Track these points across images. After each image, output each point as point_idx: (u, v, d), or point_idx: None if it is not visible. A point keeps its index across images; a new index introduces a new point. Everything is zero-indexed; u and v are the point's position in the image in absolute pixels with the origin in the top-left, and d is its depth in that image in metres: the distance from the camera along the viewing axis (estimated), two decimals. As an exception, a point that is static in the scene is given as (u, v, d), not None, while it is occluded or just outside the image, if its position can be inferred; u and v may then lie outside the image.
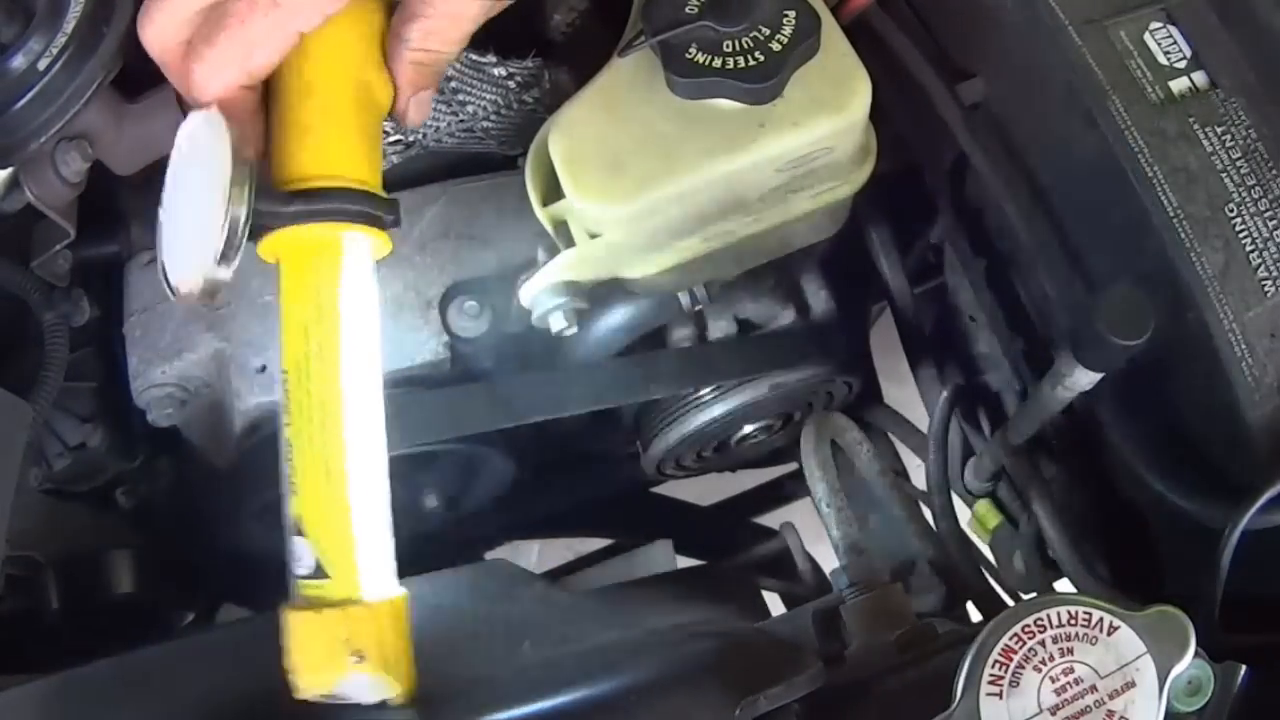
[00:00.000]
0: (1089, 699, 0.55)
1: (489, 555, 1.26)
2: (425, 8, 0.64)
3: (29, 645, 0.88)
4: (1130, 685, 0.55)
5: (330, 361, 0.58)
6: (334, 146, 0.61)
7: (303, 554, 0.57)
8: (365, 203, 0.61)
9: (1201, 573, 0.65)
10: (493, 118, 0.80)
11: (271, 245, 0.60)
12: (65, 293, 0.81)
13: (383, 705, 0.57)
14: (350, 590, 0.57)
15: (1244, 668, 0.56)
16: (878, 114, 0.71)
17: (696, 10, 0.67)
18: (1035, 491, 0.83)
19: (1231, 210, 0.66)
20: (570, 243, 0.72)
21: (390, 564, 0.59)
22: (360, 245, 0.61)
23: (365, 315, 0.60)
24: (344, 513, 0.57)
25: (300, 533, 0.57)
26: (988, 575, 0.90)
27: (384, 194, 0.63)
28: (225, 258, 0.56)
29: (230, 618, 1.06)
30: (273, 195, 0.58)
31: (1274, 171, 0.67)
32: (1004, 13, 0.72)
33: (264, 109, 0.64)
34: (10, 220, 0.75)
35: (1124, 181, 0.67)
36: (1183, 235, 0.65)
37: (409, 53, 0.65)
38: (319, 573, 0.57)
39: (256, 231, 0.59)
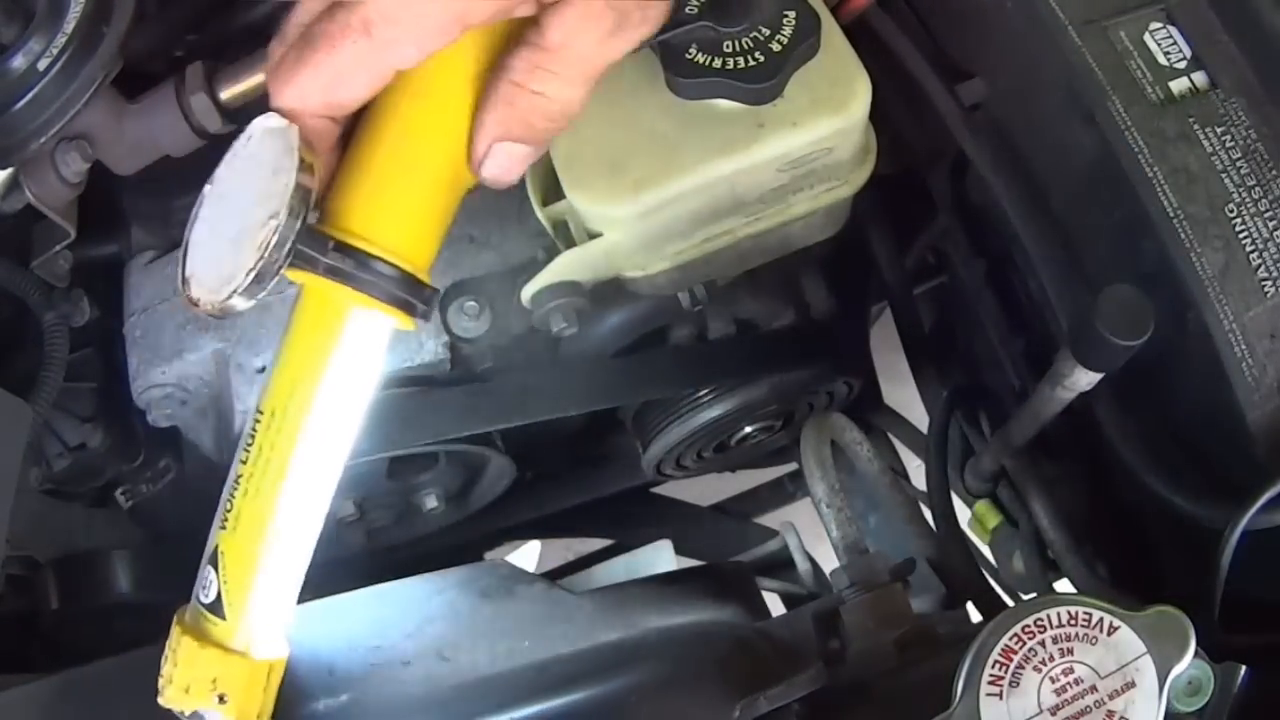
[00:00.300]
0: (1089, 699, 0.55)
1: (489, 555, 1.26)
2: (535, 36, 0.54)
3: (29, 645, 0.88)
4: (1130, 685, 0.55)
5: (306, 427, 0.57)
6: (400, 217, 0.57)
7: (210, 585, 0.58)
8: (409, 289, 0.56)
9: (1201, 573, 0.65)
10: (493, 118, 0.80)
11: (299, 275, 0.56)
12: (65, 293, 0.81)
13: None
14: (236, 640, 0.58)
15: (1244, 668, 0.56)
16: (878, 114, 0.71)
17: (696, 10, 0.67)
18: (1035, 492, 0.83)
19: (1231, 210, 0.66)
20: (570, 243, 0.72)
21: (284, 629, 0.60)
22: (384, 326, 0.58)
23: (358, 396, 0.58)
24: (259, 573, 0.58)
25: (214, 564, 0.58)
26: (987, 575, 0.90)
27: (428, 281, 0.58)
28: (247, 293, 0.52)
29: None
30: (314, 236, 0.54)
31: (1274, 172, 0.67)
32: (1004, 13, 0.72)
33: (341, 145, 0.58)
34: (10, 220, 0.75)
35: (1124, 182, 0.67)
36: (1183, 235, 0.65)
37: (505, 85, 0.55)
38: (217, 609, 0.58)
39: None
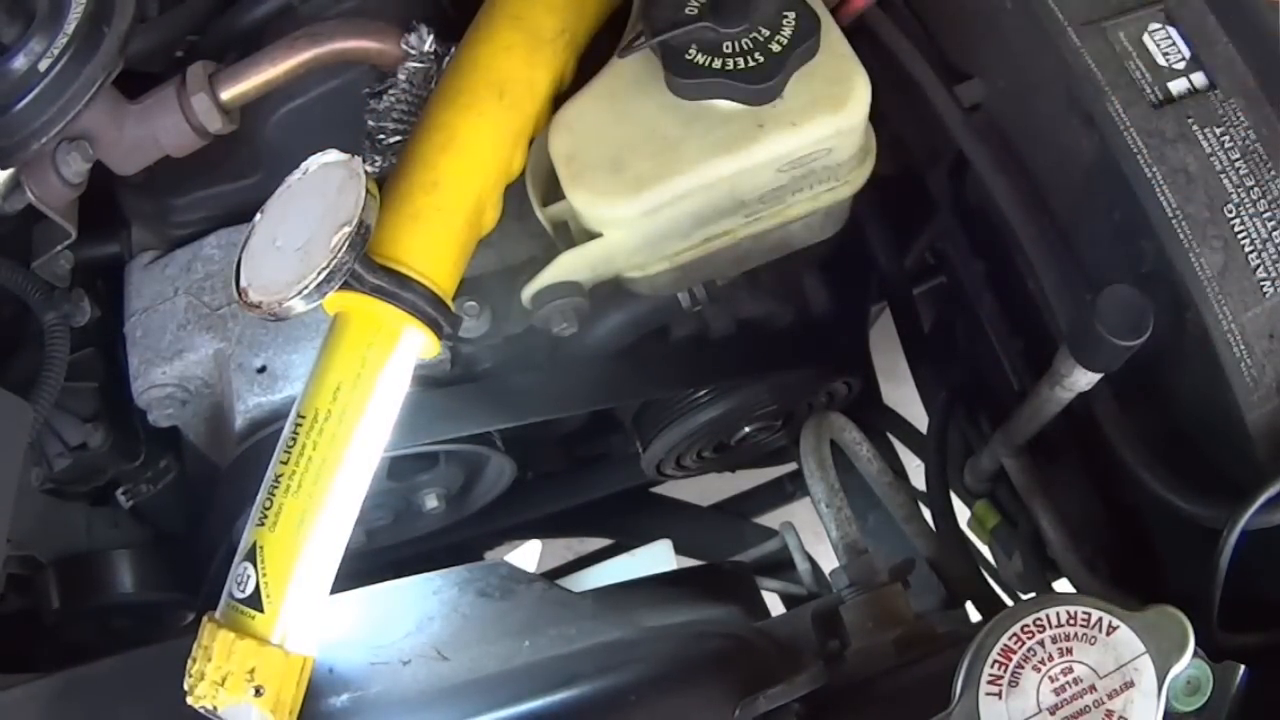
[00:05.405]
0: (1088, 699, 0.55)
1: (489, 555, 1.26)
2: None
3: (29, 645, 0.88)
4: (1129, 685, 0.55)
5: (347, 429, 0.62)
6: (434, 247, 0.65)
7: (246, 580, 0.60)
8: (439, 310, 0.64)
9: (1200, 573, 0.65)
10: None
11: (340, 301, 0.62)
12: (66, 293, 0.82)
13: None
14: (275, 633, 0.60)
15: (1242, 668, 0.56)
16: (877, 115, 0.71)
17: (696, 11, 0.68)
18: (1034, 492, 0.83)
19: (1230, 211, 0.66)
20: (570, 243, 0.72)
21: (316, 628, 0.62)
22: (416, 342, 0.64)
23: (392, 403, 0.64)
24: (299, 566, 0.60)
25: (252, 560, 0.60)
26: (987, 575, 0.90)
27: (452, 306, 0.66)
28: (317, 291, 0.59)
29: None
30: (362, 259, 0.61)
31: (1272, 172, 0.67)
32: (1003, 14, 0.72)
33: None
34: (11, 221, 0.75)
35: (1123, 182, 0.67)
36: (1181, 236, 0.65)
37: None
38: (254, 603, 0.60)
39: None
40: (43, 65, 0.66)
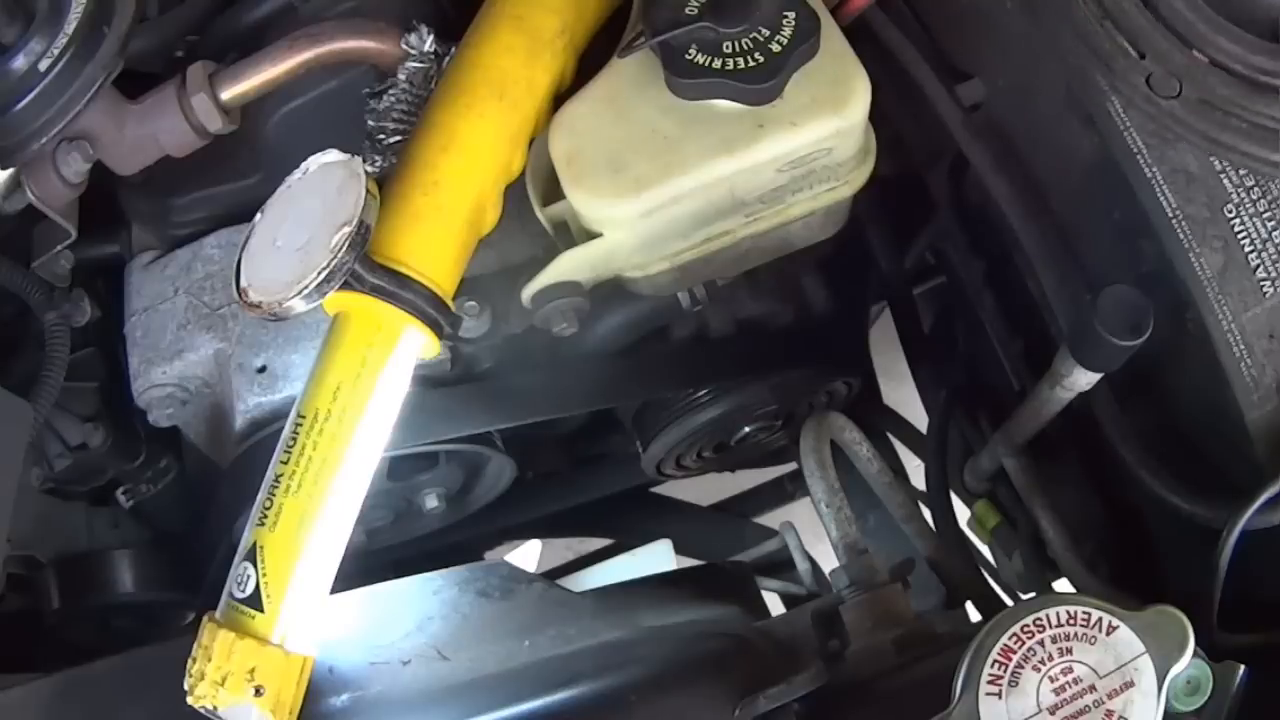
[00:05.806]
0: (1088, 698, 0.55)
1: (489, 555, 1.26)
2: None
3: (29, 645, 0.88)
4: (1129, 685, 0.55)
5: (347, 429, 0.62)
6: (434, 247, 0.65)
7: (247, 579, 0.60)
8: (439, 309, 0.65)
9: (1200, 572, 0.65)
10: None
11: (340, 301, 0.62)
12: (66, 293, 0.82)
13: None
14: (275, 632, 0.60)
15: (1242, 667, 0.56)
16: (877, 115, 0.71)
17: (696, 11, 0.68)
18: (1034, 491, 0.83)
19: (1230, 211, 0.66)
20: (570, 243, 0.72)
21: (315, 628, 0.62)
22: (416, 342, 0.65)
23: (391, 404, 0.64)
24: (299, 565, 0.60)
25: (252, 560, 0.60)
26: (987, 575, 0.91)
27: (452, 306, 0.66)
28: (317, 290, 0.59)
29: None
30: (362, 259, 0.61)
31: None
32: (1003, 13, 0.72)
33: None
34: (12, 221, 0.75)
35: (1123, 182, 0.67)
36: (1181, 236, 0.65)
37: None
38: (254, 603, 0.60)
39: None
40: (43, 65, 0.66)
